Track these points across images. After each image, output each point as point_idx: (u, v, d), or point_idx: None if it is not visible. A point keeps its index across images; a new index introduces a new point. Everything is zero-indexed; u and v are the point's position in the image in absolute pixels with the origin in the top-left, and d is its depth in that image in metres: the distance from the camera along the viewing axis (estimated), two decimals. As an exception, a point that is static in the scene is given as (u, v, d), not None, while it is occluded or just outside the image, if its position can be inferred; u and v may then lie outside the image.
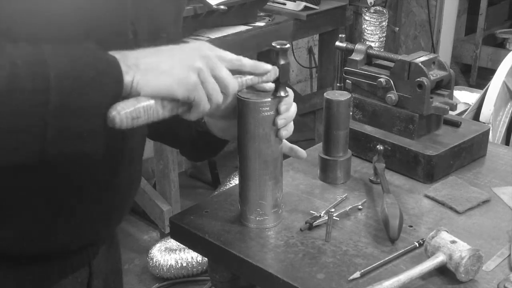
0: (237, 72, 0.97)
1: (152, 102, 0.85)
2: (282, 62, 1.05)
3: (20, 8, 0.79)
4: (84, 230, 1.00)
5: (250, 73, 0.99)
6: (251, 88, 1.11)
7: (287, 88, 1.08)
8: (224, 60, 0.92)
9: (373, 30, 3.53)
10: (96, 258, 1.08)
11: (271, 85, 1.07)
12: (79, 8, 0.84)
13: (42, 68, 0.75)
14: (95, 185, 0.96)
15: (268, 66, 1.01)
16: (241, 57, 0.97)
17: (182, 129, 1.15)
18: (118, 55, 0.83)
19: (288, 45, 1.05)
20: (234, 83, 0.93)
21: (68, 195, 0.93)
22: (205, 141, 1.16)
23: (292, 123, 1.12)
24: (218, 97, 0.90)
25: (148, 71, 0.84)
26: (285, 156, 1.20)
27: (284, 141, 1.14)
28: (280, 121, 1.09)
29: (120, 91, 0.82)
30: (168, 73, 0.85)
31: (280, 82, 1.06)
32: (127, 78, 0.82)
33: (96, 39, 0.83)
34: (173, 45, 0.92)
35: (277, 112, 1.09)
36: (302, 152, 1.17)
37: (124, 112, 0.81)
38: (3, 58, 0.74)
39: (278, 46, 1.05)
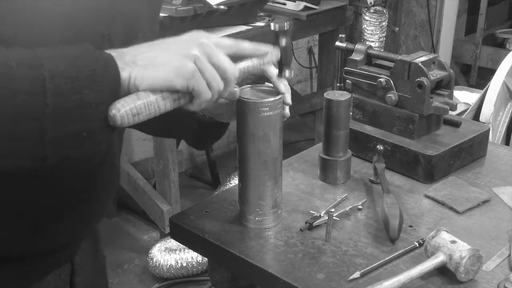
0: (238, 59, 0.96)
1: (152, 97, 0.84)
2: (283, 42, 1.03)
3: None
4: (66, 230, 1.00)
5: (251, 57, 0.98)
6: (251, 88, 1.11)
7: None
8: (221, 46, 0.91)
9: (373, 30, 3.53)
10: (78, 254, 1.08)
11: (274, 79, 1.07)
12: (49, 14, 0.83)
13: (37, 70, 0.75)
14: (75, 186, 0.95)
15: (268, 48, 1.00)
16: (239, 41, 0.96)
17: (180, 122, 1.15)
18: (114, 53, 0.83)
19: (287, 23, 1.04)
20: (233, 69, 0.91)
21: (50, 198, 0.93)
22: (207, 128, 1.15)
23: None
24: (219, 84, 0.89)
25: (145, 66, 0.84)
26: (285, 156, 1.20)
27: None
28: (287, 111, 1.10)
29: (118, 89, 0.82)
30: (165, 65, 0.84)
31: (284, 63, 1.04)
32: (124, 74, 0.82)
33: (70, 43, 0.82)
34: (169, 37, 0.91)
35: (286, 104, 1.09)
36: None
37: (124, 110, 0.81)
38: None
39: (277, 27, 1.03)
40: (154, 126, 1.12)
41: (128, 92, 0.83)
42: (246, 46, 0.96)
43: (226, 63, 0.90)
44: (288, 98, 1.12)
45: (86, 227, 1.07)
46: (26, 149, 0.76)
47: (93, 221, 1.08)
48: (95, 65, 0.79)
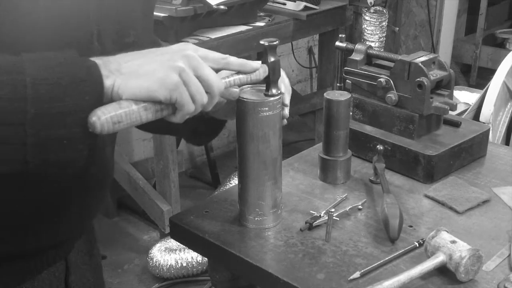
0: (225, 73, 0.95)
1: (134, 106, 0.83)
2: (271, 59, 1.03)
3: None
4: (58, 228, 1.00)
5: (238, 72, 0.97)
6: (251, 88, 1.11)
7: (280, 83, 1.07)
8: (208, 59, 0.91)
9: (373, 30, 3.53)
10: (72, 252, 1.08)
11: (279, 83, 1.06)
12: (38, 11, 0.83)
13: (19, 76, 0.75)
14: (65, 185, 0.95)
15: (256, 64, 1.00)
16: (227, 56, 0.95)
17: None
18: (99, 60, 0.82)
19: (277, 42, 1.03)
20: (218, 83, 0.90)
21: (41, 197, 0.93)
22: (204, 124, 1.15)
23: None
24: (203, 98, 0.88)
25: (130, 75, 0.83)
26: (285, 156, 1.20)
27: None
28: (286, 111, 1.09)
29: (100, 97, 0.81)
30: (149, 75, 0.84)
31: (271, 80, 1.04)
32: (108, 82, 0.82)
33: (59, 42, 0.83)
34: (155, 47, 0.90)
35: (284, 105, 1.09)
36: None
37: (104, 117, 0.81)
38: None
39: (266, 43, 1.03)
40: (152, 124, 1.12)
41: (111, 100, 0.83)
42: (234, 61, 0.96)
43: (212, 76, 0.89)
44: (287, 99, 1.12)
45: (79, 225, 1.07)
46: (7, 154, 0.77)
47: (86, 219, 1.08)
48: (78, 72, 0.79)
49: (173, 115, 0.88)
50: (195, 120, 1.14)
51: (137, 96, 0.83)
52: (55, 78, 0.77)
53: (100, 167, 1.03)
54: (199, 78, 0.87)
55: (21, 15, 0.82)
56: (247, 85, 1.11)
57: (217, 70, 0.92)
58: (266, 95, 1.06)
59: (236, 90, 1.06)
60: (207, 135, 1.21)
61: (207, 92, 0.89)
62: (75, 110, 0.79)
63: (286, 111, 1.13)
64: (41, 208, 0.95)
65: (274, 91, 1.05)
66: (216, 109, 1.11)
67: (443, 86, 1.41)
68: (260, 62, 1.02)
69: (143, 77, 0.84)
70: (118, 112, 0.82)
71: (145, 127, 1.14)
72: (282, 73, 1.10)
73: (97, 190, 1.05)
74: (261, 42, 1.03)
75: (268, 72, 1.02)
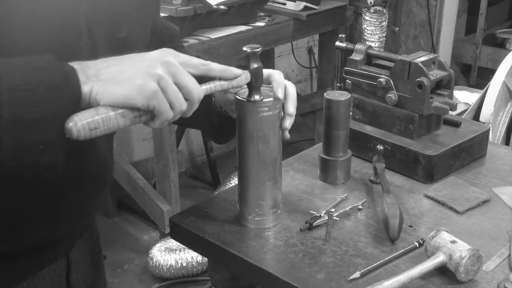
0: (207, 79, 0.95)
1: (111, 113, 0.83)
2: (254, 65, 1.03)
3: None
4: (56, 227, 1.00)
5: (220, 78, 0.97)
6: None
7: (287, 87, 1.07)
8: (188, 65, 0.90)
9: (373, 30, 3.53)
10: (73, 250, 1.08)
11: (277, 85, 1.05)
12: (25, 7, 0.83)
13: None
14: (60, 182, 0.94)
15: (238, 71, 0.99)
16: (208, 62, 0.94)
17: (201, 112, 1.14)
18: (78, 65, 0.82)
19: (259, 49, 1.03)
20: (198, 90, 0.90)
21: (38, 197, 0.93)
22: (227, 123, 1.15)
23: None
24: (181, 105, 0.88)
25: (108, 81, 0.83)
26: (285, 156, 1.20)
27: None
28: (287, 123, 1.08)
29: (78, 102, 0.81)
30: (127, 82, 0.84)
31: (254, 86, 1.04)
32: (85, 88, 0.81)
33: (47, 39, 0.82)
34: (139, 52, 0.90)
35: (285, 113, 1.08)
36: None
37: (81, 123, 0.80)
38: None
39: (248, 50, 1.03)
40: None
41: (89, 106, 0.83)
42: (215, 67, 0.95)
43: (191, 83, 0.88)
44: (290, 107, 1.10)
45: (78, 224, 1.07)
46: None
47: (85, 218, 1.08)
48: (55, 78, 0.79)
49: (152, 121, 0.88)
50: (218, 118, 1.14)
51: (115, 103, 0.83)
52: (31, 84, 0.77)
53: (96, 167, 1.03)
54: (178, 85, 0.87)
55: (9, 10, 0.81)
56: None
57: (198, 77, 0.91)
58: (248, 101, 1.06)
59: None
60: (227, 133, 1.20)
61: (186, 99, 0.89)
62: (51, 116, 0.79)
63: (288, 122, 1.11)
64: (37, 208, 0.95)
65: (256, 97, 1.05)
66: (233, 108, 1.11)
67: (443, 86, 1.41)
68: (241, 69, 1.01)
69: (121, 84, 0.83)
70: (95, 118, 0.82)
71: None
72: (289, 83, 1.10)
73: (95, 190, 1.05)
74: (244, 48, 1.03)
75: (250, 79, 1.02)
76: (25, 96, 0.76)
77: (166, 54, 0.89)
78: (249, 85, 1.04)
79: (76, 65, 0.82)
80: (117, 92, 0.83)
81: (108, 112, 0.83)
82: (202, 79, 0.94)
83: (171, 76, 0.86)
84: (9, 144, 0.76)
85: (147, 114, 0.87)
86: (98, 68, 0.84)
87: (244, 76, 1.00)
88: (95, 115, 0.82)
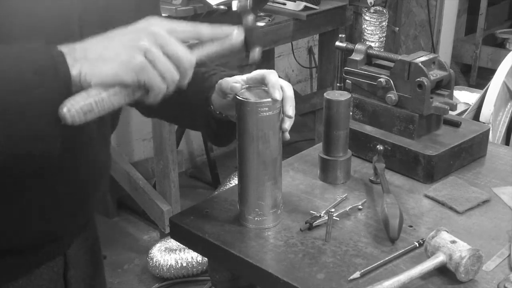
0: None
1: (103, 93, 0.81)
2: (247, 22, 0.97)
3: None
4: (50, 226, 1.00)
5: (212, 40, 0.92)
6: (250, 88, 1.11)
7: (282, 86, 1.06)
8: (176, 32, 0.85)
9: (373, 30, 3.53)
10: (71, 248, 1.08)
11: (273, 84, 1.04)
12: (20, 8, 0.82)
13: None
14: (58, 178, 0.94)
15: (229, 28, 0.94)
16: (197, 24, 0.89)
17: (198, 116, 1.13)
18: (65, 48, 0.80)
19: (249, 3, 0.98)
20: (189, 57, 0.85)
21: (34, 191, 0.93)
22: (225, 127, 1.14)
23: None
24: (173, 75, 0.84)
25: (95, 61, 0.80)
26: (285, 156, 1.19)
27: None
28: (286, 125, 1.07)
29: (69, 86, 0.79)
30: (113, 58, 0.81)
31: (249, 44, 0.98)
32: (74, 71, 0.79)
33: (43, 39, 0.81)
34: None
35: (283, 114, 1.07)
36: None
37: (74, 109, 0.79)
38: None
39: (238, 6, 0.98)
40: (171, 112, 1.09)
41: (81, 88, 0.81)
42: (204, 29, 0.90)
43: (180, 51, 0.84)
44: (288, 109, 1.07)
45: (74, 223, 1.07)
46: None
47: (81, 217, 1.08)
48: (43, 62, 0.77)
49: (147, 96, 0.85)
50: (216, 123, 1.13)
51: (105, 82, 0.81)
52: (17, 73, 0.76)
53: (90, 167, 1.02)
54: (166, 55, 0.83)
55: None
56: (246, 85, 1.10)
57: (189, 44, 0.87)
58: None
59: (238, 85, 1.06)
60: (226, 136, 1.19)
61: (177, 69, 0.85)
62: (42, 101, 0.77)
63: (287, 124, 1.09)
64: (30, 207, 0.94)
65: (256, 55, 0.99)
66: (232, 113, 1.11)
67: (443, 86, 1.41)
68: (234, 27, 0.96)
69: (107, 62, 0.81)
70: (87, 102, 0.80)
71: (164, 115, 1.12)
72: (285, 83, 1.08)
73: (90, 188, 1.05)
74: (234, 9, 0.99)
75: (245, 36, 0.96)
76: (13, 84, 0.75)
77: (151, 24, 0.84)
78: (245, 43, 0.97)
79: (63, 48, 0.80)
80: (104, 71, 0.80)
81: (100, 93, 0.81)
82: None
83: (158, 46, 0.82)
84: (2, 134, 0.76)
85: (140, 89, 0.84)
86: (86, 48, 0.81)
87: (236, 33, 0.95)
88: (88, 98, 0.80)
